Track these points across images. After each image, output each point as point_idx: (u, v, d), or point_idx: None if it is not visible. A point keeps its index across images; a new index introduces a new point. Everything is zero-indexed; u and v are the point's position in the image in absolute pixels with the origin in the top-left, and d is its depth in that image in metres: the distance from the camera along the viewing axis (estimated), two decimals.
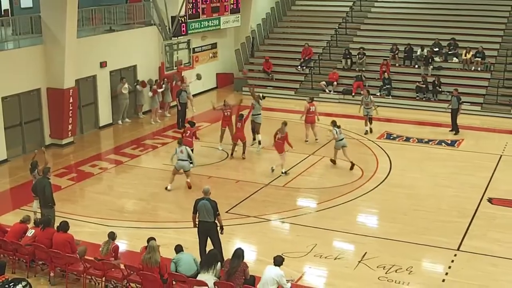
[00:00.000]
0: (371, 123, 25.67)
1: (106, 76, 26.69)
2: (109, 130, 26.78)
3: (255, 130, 23.89)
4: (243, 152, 22.88)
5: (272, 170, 21.22)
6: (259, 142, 23.49)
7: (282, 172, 21.08)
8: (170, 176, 19.93)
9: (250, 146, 23.35)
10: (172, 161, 20.14)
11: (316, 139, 24.33)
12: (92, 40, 25.94)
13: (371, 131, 25.49)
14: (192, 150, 21.17)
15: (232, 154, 22.95)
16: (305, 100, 25.27)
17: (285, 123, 21.40)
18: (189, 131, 21.51)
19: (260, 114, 23.92)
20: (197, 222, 14.63)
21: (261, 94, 24.61)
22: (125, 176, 21.40)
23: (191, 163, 20.03)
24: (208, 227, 14.39)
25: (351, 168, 21.50)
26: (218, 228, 14.48)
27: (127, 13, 28.74)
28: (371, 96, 25.76)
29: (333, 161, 22.03)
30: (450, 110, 25.92)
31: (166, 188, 19.84)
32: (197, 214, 14.51)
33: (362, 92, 26.68)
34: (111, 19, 27.89)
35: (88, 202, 19.10)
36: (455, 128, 25.70)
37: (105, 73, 26.56)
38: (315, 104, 24.58)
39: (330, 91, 31.51)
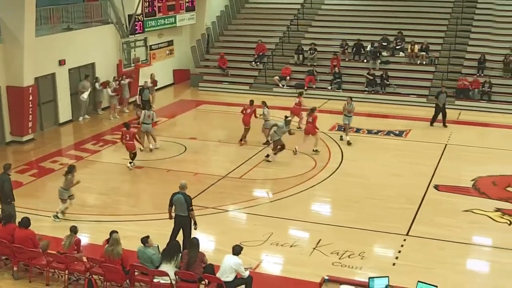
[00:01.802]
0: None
1: (65, 74, 26.72)
2: (69, 127, 26.81)
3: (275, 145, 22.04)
4: (241, 139, 23.55)
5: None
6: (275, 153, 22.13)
7: (313, 150, 22.40)
8: (142, 138, 22.63)
9: (265, 159, 22.21)
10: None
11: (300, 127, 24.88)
12: (50, 39, 25.98)
13: (341, 138, 24.30)
14: (135, 153, 21.45)
15: (243, 139, 23.58)
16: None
17: (313, 109, 22.98)
18: (128, 135, 21.35)
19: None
20: (173, 215, 14.92)
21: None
22: (86, 171, 21.30)
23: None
24: (182, 220, 14.67)
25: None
26: (192, 223, 14.71)
27: (85, 11, 28.70)
28: (354, 103, 24.09)
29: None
30: (434, 105, 26.44)
31: (140, 150, 22.22)
32: (173, 207, 14.81)
33: (346, 100, 24.40)
34: (69, 17, 27.82)
35: (50, 197, 18.87)
36: (443, 120, 26.15)
37: (64, 71, 26.60)
38: (301, 99, 25.39)
39: (283, 85, 32.11)
